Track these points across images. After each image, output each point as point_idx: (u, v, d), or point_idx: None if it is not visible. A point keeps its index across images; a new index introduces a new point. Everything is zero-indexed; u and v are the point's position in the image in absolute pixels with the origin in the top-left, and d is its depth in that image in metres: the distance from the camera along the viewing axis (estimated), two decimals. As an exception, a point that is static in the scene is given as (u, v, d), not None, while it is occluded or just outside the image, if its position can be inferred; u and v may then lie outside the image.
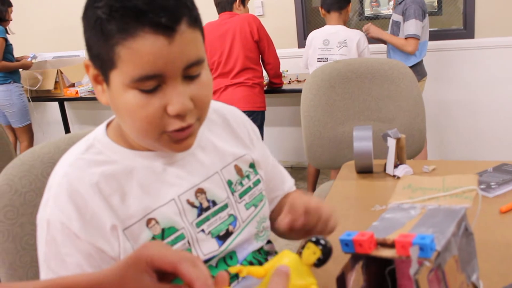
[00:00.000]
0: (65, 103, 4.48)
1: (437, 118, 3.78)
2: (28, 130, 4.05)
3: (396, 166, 1.48)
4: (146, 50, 0.71)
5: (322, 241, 0.68)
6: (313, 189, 3.24)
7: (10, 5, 3.90)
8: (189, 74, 0.76)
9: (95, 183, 0.81)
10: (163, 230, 0.83)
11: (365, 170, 1.52)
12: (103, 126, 0.91)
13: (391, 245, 0.69)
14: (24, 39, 4.20)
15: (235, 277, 0.92)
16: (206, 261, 0.88)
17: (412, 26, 3.03)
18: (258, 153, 1.03)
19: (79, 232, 0.79)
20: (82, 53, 4.43)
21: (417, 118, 2.04)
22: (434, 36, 3.50)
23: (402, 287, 0.81)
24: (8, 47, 3.82)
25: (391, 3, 4.07)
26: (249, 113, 3.03)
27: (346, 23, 3.23)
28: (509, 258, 1.01)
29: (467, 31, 3.60)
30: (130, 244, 0.81)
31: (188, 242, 0.86)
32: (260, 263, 0.93)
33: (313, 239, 0.69)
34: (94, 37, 0.74)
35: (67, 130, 4.47)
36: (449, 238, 0.69)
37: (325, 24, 3.23)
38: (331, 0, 3.13)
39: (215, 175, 0.92)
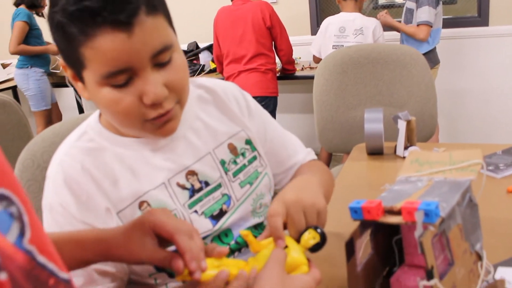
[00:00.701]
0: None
1: (450, 105, 3.78)
2: (44, 116, 4.11)
3: (406, 148, 1.51)
4: (107, 48, 0.71)
5: (320, 230, 0.76)
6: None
7: None
8: (158, 62, 0.76)
9: (87, 169, 0.84)
10: None
11: (375, 152, 1.55)
12: (96, 113, 0.93)
13: (398, 213, 0.72)
14: (41, 25, 4.25)
15: (231, 253, 0.94)
16: None
17: (425, 13, 3.03)
18: (254, 124, 1.01)
19: (76, 214, 0.83)
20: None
21: (429, 104, 2.06)
22: (448, 23, 3.49)
23: (408, 255, 0.84)
24: (34, 32, 3.86)
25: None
26: (262, 99, 3.07)
27: (361, 9, 3.24)
28: (514, 234, 1.04)
29: (481, 18, 3.59)
30: None
31: None
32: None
33: (314, 226, 0.76)
34: (59, 40, 0.76)
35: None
36: (454, 206, 0.72)
37: (339, 11, 3.24)
38: None
39: (207, 156, 0.92)
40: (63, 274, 0.46)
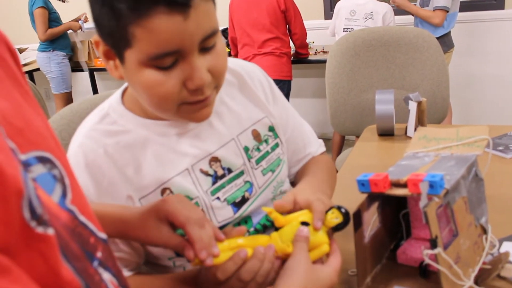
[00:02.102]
0: (95, 74, 4.59)
1: (464, 89, 3.76)
2: (65, 99, 4.17)
3: (416, 129, 1.52)
4: (162, 29, 0.68)
5: (344, 209, 0.75)
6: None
7: None
8: (205, 46, 0.74)
9: (110, 155, 0.83)
10: None
11: (386, 133, 1.57)
12: (118, 93, 0.90)
13: (404, 186, 0.74)
14: (57, 10, 4.28)
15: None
16: (220, 228, 0.86)
17: None
18: (277, 111, 1.02)
19: (94, 199, 0.81)
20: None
21: (441, 86, 2.06)
22: (464, 7, 3.46)
23: (415, 229, 0.87)
24: (52, 15, 3.91)
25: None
26: (277, 82, 3.05)
27: None
28: (521, 211, 1.06)
29: (497, 1, 3.55)
30: None
31: (203, 210, 0.87)
32: (273, 225, 0.96)
33: (337, 206, 0.76)
34: (104, 16, 0.71)
35: (97, 100, 4.58)
36: (458, 179, 0.74)
37: (353, -5, 3.23)
38: None
39: (231, 142, 0.92)
40: (101, 234, 0.50)
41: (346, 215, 0.75)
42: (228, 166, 0.90)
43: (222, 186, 0.89)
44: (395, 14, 3.62)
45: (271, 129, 0.98)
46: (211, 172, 0.88)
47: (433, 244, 0.70)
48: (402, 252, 0.86)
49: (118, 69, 0.79)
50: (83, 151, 0.83)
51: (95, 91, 4.59)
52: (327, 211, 0.76)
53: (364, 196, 0.80)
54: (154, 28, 0.68)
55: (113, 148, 0.83)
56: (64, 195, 0.45)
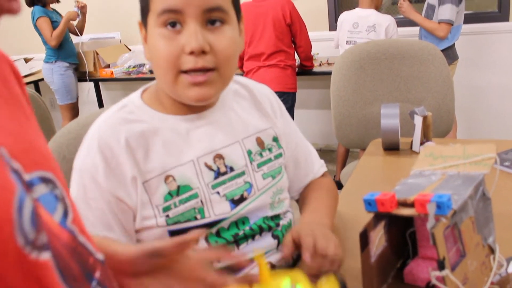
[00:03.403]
0: (100, 84, 4.61)
1: (469, 101, 3.76)
2: (70, 109, 4.17)
3: (422, 143, 1.52)
4: None
5: (341, 279, 0.74)
6: (342, 170, 3.28)
7: None
8: (210, 19, 0.84)
9: (124, 138, 0.89)
10: (178, 187, 0.90)
11: (392, 147, 1.57)
12: (139, 91, 0.99)
13: (411, 205, 0.74)
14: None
15: (244, 239, 0.96)
16: (217, 222, 0.93)
17: (447, 11, 3.00)
18: (283, 126, 1.08)
19: (103, 181, 0.88)
20: (118, 34, 4.55)
21: (446, 99, 2.06)
22: (468, 19, 3.47)
23: (422, 248, 0.87)
24: (53, 24, 3.90)
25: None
26: (280, 94, 3.09)
27: (379, 8, 3.22)
28: (529, 229, 1.05)
29: (501, 13, 3.55)
30: (147, 196, 0.89)
31: (201, 202, 0.92)
32: (270, 227, 0.99)
33: (335, 274, 0.73)
34: None
35: (102, 110, 4.59)
36: (466, 199, 0.74)
37: (357, 6, 3.24)
38: None
39: (235, 144, 0.97)
40: (99, 255, 0.50)
41: (342, 285, 0.73)
42: (230, 164, 0.95)
43: (223, 182, 0.94)
44: (401, 26, 3.63)
45: (275, 139, 1.04)
46: (214, 167, 0.94)
47: (441, 265, 0.69)
48: (408, 272, 0.85)
49: (147, 50, 0.91)
50: (99, 133, 0.91)
51: (100, 101, 4.61)
52: (323, 274, 0.72)
53: (371, 214, 0.79)
54: None
55: (127, 132, 0.90)
56: (65, 214, 0.46)
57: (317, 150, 4.58)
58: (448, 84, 2.06)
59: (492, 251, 0.83)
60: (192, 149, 0.93)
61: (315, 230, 0.88)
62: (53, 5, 4.01)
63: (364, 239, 0.77)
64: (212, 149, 0.94)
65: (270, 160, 1.01)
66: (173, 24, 0.84)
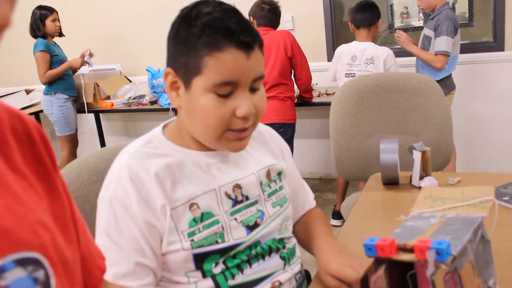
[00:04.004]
0: (100, 114, 4.64)
1: (467, 130, 3.78)
2: (69, 140, 4.19)
3: (421, 178, 1.53)
4: (229, 61, 0.90)
5: None
6: (342, 200, 3.28)
7: (47, 15, 3.96)
8: (254, 87, 0.95)
9: (153, 170, 0.97)
10: (202, 214, 0.99)
11: (391, 182, 1.57)
12: (159, 127, 1.07)
13: (411, 250, 0.74)
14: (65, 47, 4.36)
15: (256, 259, 1.06)
16: (236, 246, 1.02)
17: (443, 43, 3.04)
18: (286, 166, 1.19)
19: (136, 209, 0.94)
20: (118, 66, 4.59)
21: (444, 131, 2.08)
22: (464, 49, 3.51)
23: None
24: (53, 58, 3.95)
25: (421, 14, 4.10)
26: (280, 125, 3.11)
27: (375, 39, 3.27)
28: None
29: (497, 43, 3.60)
30: (173, 223, 0.97)
31: (222, 227, 1.00)
32: (278, 249, 1.09)
33: None
34: (184, 48, 0.93)
35: (101, 140, 4.62)
36: (465, 244, 0.74)
37: (355, 38, 3.29)
38: (361, 16, 3.17)
39: (251, 175, 1.08)
40: None
41: None
42: (246, 194, 1.06)
43: (239, 210, 1.04)
44: (398, 56, 3.68)
45: (279, 174, 1.16)
46: (233, 196, 1.03)
47: None
48: None
49: (178, 99, 0.98)
50: (129, 164, 0.97)
51: (100, 132, 4.63)
52: None
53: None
54: (224, 60, 0.90)
55: (154, 166, 0.98)
56: None
57: (317, 179, 4.60)
58: (446, 116, 2.08)
59: None
60: (214, 179, 1.02)
61: (344, 261, 1.03)
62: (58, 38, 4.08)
63: (365, 284, 0.77)
64: (232, 180, 1.04)
65: (276, 190, 1.13)
66: (228, 94, 0.93)
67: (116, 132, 5.06)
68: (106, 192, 0.98)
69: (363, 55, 3.16)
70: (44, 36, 3.96)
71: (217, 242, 0.99)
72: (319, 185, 4.15)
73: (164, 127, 1.07)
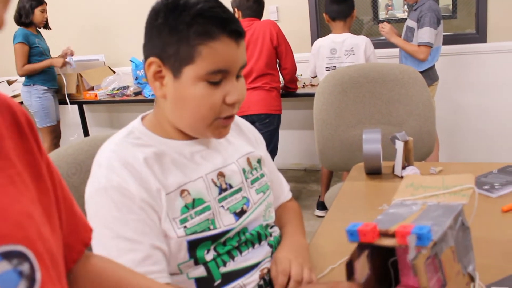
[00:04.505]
0: (84, 106, 4.60)
1: (450, 121, 3.82)
2: (50, 132, 4.15)
3: (404, 167, 1.54)
4: (222, 50, 0.92)
5: None
6: (327, 190, 3.30)
7: (38, 4, 3.92)
8: (239, 74, 0.98)
9: (142, 157, 0.97)
10: (193, 200, 0.99)
11: (374, 172, 1.59)
12: (138, 119, 1.06)
13: (392, 235, 0.75)
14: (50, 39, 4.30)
15: (245, 247, 1.07)
16: (226, 232, 1.02)
17: (426, 34, 3.06)
18: (262, 153, 1.20)
19: (134, 191, 0.93)
20: (102, 57, 4.55)
21: (427, 122, 2.10)
22: (447, 40, 3.54)
23: (403, 277, 0.88)
24: (33, 50, 3.90)
25: (405, 6, 4.12)
26: (266, 116, 3.11)
27: (350, 28, 3.28)
28: (508, 253, 1.07)
29: (479, 35, 3.64)
30: (165, 209, 0.96)
31: (213, 214, 1.01)
32: (266, 236, 1.12)
33: None
34: (174, 38, 0.92)
35: (85, 132, 4.58)
36: (446, 230, 0.75)
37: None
38: (336, 8, 3.16)
39: (232, 164, 1.08)
40: None
41: None
42: (230, 182, 1.06)
43: (225, 197, 1.05)
44: (382, 47, 3.70)
45: (259, 161, 1.17)
46: (218, 183, 1.04)
47: None
48: None
49: (163, 88, 0.97)
50: (116, 154, 0.97)
51: (84, 123, 4.59)
52: None
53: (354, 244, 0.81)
54: (217, 48, 0.91)
55: (141, 153, 0.98)
56: None
57: (302, 170, 4.61)
58: (429, 107, 2.10)
59: (472, 279, 0.84)
60: (199, 167, 1.03)
61: (292, 260, 1.04)
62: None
63: (350, 268, 0.78)
64: (216, 167, 1.05)
65: (258, 178, 1.14)
66: (219, 82, 0.94)
67: (101, 123, 5.02)
68: (98, 184, 0.95)
69: (342, 47, 3.16)
70: (29, 24, 3.90)
71: (209, 229, 1.00)
72: (304, 176, 4.17)
73: (142, 119, 1.07)
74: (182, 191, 0.98)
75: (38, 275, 0.45)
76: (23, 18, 3.88)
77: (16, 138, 0.50)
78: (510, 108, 3.65)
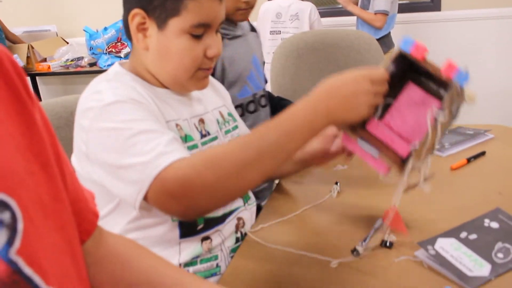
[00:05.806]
0: (37, 78, 4.46)
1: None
2: None
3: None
4: (207, 4, 0.95)
5: None
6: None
7: None
8: (217, 29, 1.01)
9: (139, 87, 0.97)
10: (186, 135, 1.01)
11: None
12: (117, 65, 1.05)
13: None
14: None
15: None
16: None
17: (381, 2, 3.10)
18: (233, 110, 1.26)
19: (148, 98, 0.96)
20: (54, 27, 4.39)
21: (382, 87, 2.12)
22: (402, 9, 3.58)
23: (390, 116, 0.96)
24: None
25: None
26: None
27: None
28: (456, 208, 1.11)
29: (433, 3, 3.69)
30: None
31: None
32: None
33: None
34: None
35: (39, 105, 4.45)
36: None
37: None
38: None
39: (208, 113, 1.11)
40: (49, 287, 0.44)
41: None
42: (208, 129, 1.09)
43: (205, 143, 1.07)
44: (339, 15, 3.71)
45: (230, 114, 1.20)
46: (199, 129, 1.07)
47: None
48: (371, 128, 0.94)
49: (146, 40, 0.98)
50: (116, 81, 0.98)
51: (38, 96, 4.44)
52: None
53: None
54: (202, 2, 0.94)
55: (136, 84, 0.98)
56: (9, 243, 0.41)
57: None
58: (383, 72, 2.12)
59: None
60: (183, 111, 1.04)
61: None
62: None
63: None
64: (197, 114, 1.08)
65: (230, 130, 1.16)
66: (201, 36, 0.97)
67: (55, 95, 4.88)
68: (108, 99, 0.91)
69: (287, 12, 3.17)
70: None
71: None
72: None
73: (120, 65, 1.05)
74: (177, 125, 1.01)
75: (20, 225, 0.42)
76: None
77: (0, 83, 0.46)
78: (463, 75, 3.74)
